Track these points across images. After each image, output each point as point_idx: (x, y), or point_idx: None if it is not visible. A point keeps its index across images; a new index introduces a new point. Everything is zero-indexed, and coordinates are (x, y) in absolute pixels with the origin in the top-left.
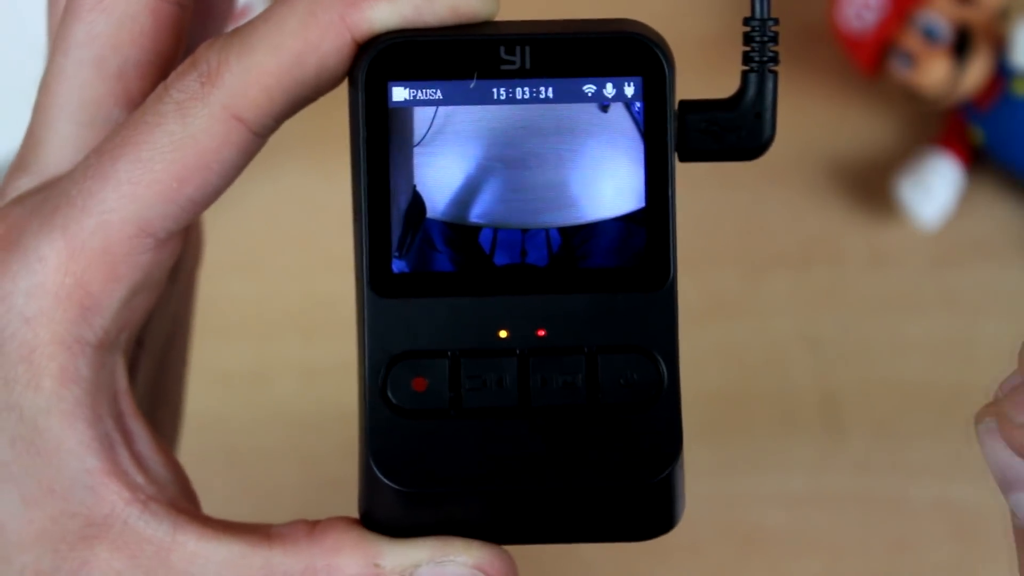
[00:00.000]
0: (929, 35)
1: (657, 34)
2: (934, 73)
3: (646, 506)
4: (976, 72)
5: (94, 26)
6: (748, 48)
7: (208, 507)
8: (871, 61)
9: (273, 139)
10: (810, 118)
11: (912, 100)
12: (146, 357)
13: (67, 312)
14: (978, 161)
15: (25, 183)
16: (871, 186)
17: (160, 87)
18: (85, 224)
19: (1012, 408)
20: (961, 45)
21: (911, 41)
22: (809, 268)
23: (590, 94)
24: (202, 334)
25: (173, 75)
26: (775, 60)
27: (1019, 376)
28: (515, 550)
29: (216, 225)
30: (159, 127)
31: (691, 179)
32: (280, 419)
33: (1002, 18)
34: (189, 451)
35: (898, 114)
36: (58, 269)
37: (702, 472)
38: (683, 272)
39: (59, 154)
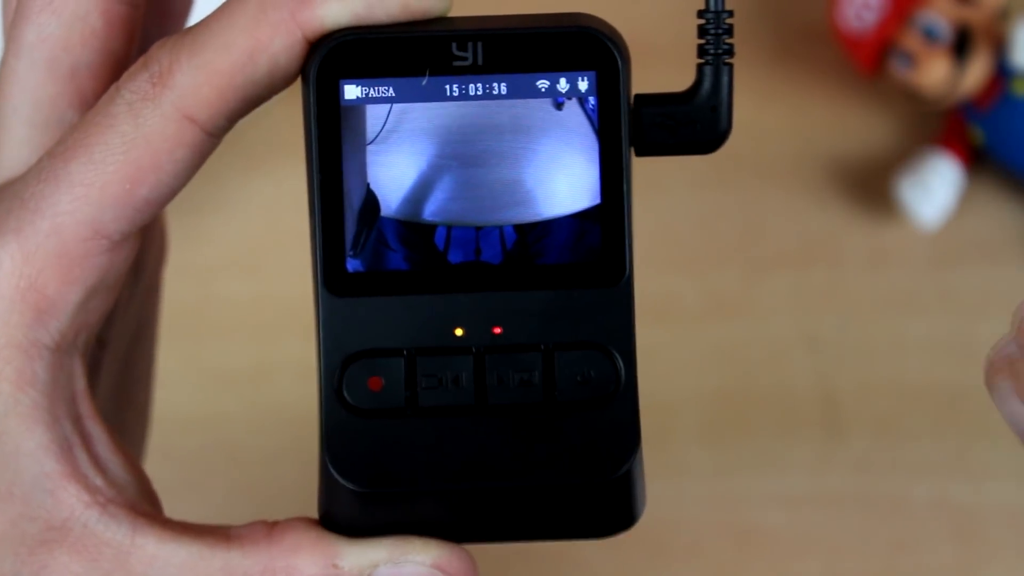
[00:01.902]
0: (929, 35)
1: (611, 28)
2: (934, 73)
3: (605, 503)
4: (976, 72)
5: (44, 27)
6: (703, 41)
7: (207, 507)
8: (871, 61)
9: (273, 139)
10: (810, 118)
11: (912, 100)
12: (109, 358)
13: (22, 315)
14: (978, 161)
15: None
16: (871, 186)
17: (112, 88)
18: (39, 227)
19: None
20: (961, 45)
21: (911, 41)
22: (809, 268)
23: (544, 89)
24: (202, 334)
25: (125, 76)
26: (730, 53)
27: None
28: (508, 552)
29: (216, 225)
30: (111, 128)
31: (691, 179)
32: (280, 419)
33: (1002, 18)
34: (189, 451)
35: (898, 114)
36: (12, 272)
37: (702, 472)
38: (683, 272)
39: (13, 157)
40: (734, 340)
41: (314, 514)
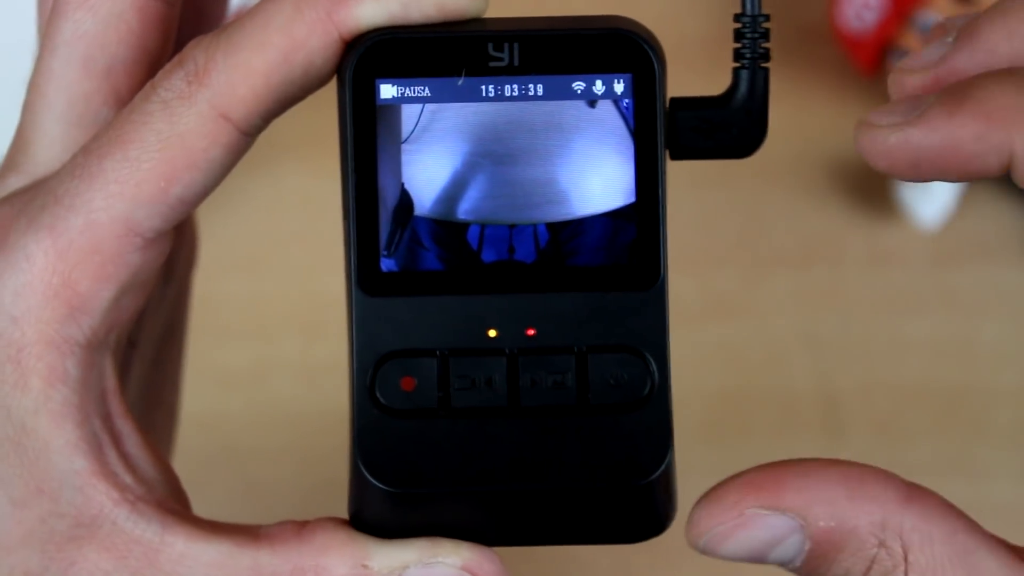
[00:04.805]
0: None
1: (647, 31)
2: None
3: (636, 508)
4: None
5: (81, 24)
6: (739, 45)
7: (207, 507)
8: (871, 61)
9: (273, 139)
10: (810, 118)
11: None
12: (139, 359)
13: (55, 311)
14: None
15: (14, 182)
16: (871, 186)
17: (147, 86)
18: (72, 223)
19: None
20: None
21: (911, 41)
22: (809, 268)
23: (579, 91)
24: (202, 334)
25: (160, 74)
26: (766, 57)
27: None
28: (510, 548)
29: (216, 225)
30: (146, 126)
31: (691, 179)
32: (280, 419)
33: None
34: (189, 451)
35: None
36: (45, 268)
37: (702, 472)
38: (683, 272)
39: (48, 153)
40: (734, 340)
41: (310, 514)
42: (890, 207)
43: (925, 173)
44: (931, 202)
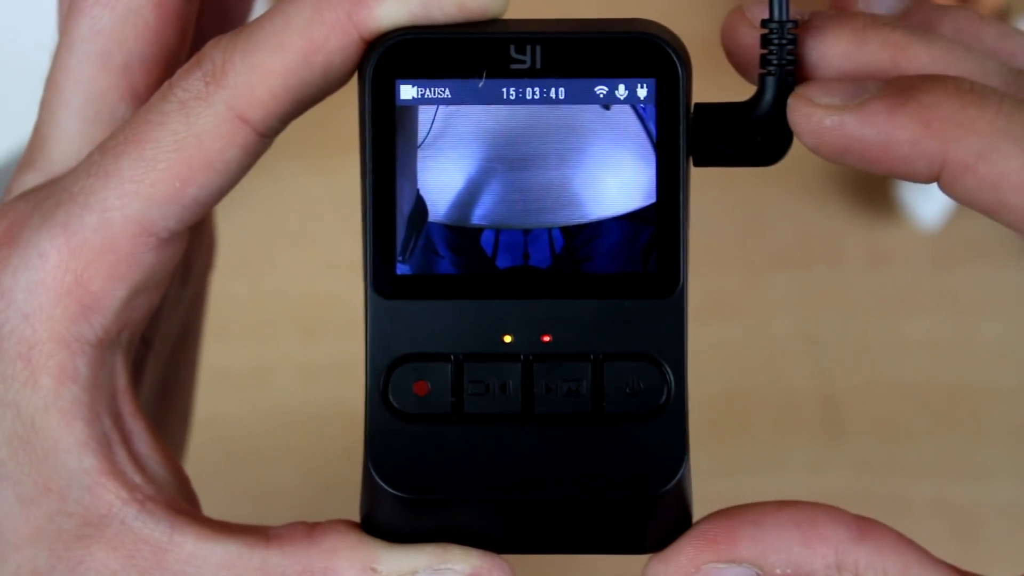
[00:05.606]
0: None
1: (673, 35)
2: None
3: (650, 518)
4: None
5: (98, 21)
6: (766, 51)
7: (207, 507)
8: None
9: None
10: None
11: None
12: (154, 360)
13: (67, 310)
14: None
15: (31, 179)
16: (871, 186)
17: (165, 85)
18: (87, 221)
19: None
20: None
21: None
22: (809, 268)
23: (602, 95)
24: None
25: (178, 73)
26: (794, 63)
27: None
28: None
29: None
30: (163, 126)
31: (692, 179)
32: (280, 419)
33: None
34: (188, 450)
35: None
36: (58, 266)
37: (702, 473)
38: None
39: (65, 150)
40: (734, 340)
41: (308, 514)
42: (890, 207)
43: (851, 161)
44: (931, 202)
